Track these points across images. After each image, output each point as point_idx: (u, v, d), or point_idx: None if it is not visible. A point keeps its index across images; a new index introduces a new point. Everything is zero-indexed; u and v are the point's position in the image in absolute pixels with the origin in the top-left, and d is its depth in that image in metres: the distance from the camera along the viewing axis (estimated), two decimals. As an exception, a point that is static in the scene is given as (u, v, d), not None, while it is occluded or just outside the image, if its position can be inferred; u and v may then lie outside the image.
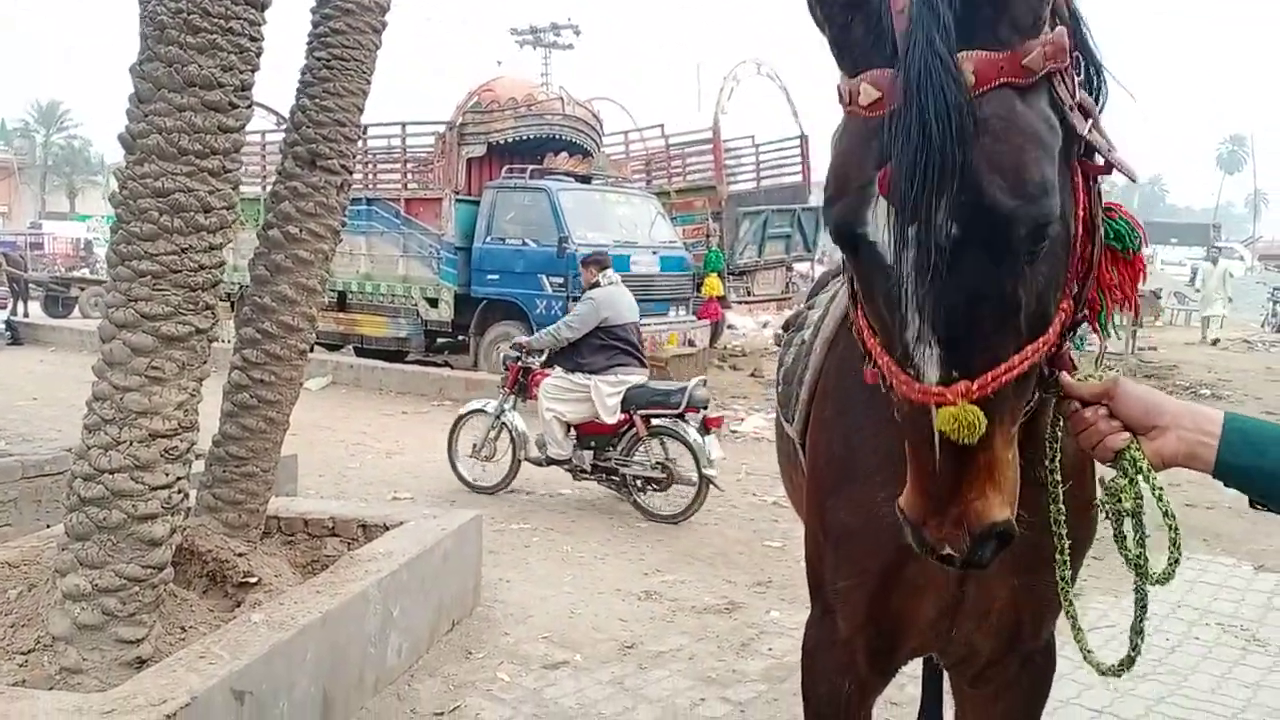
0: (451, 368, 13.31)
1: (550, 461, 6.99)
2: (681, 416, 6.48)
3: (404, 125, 14.45)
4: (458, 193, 13.11)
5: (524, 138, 13.52)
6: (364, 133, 14.54)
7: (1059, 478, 1.51)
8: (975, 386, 1.21)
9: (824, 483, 1.93)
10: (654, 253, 12.89)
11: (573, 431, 6.90)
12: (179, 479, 3.31)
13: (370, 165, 14.70)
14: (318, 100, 4.15)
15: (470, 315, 12.91)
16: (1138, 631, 1.50)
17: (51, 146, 64.66)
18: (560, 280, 11.88)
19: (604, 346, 6.82)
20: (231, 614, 3.65)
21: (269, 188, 4.31)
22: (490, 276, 12.63)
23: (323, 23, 4.17)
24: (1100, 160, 1.39)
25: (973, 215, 1.17)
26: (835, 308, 2.03)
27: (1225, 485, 1.35)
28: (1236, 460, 1.31)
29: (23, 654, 3.15)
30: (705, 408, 6.62)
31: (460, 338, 13.47)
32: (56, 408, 10.09)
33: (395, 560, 4.06)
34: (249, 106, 3.34)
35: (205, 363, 3.34)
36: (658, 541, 6.15)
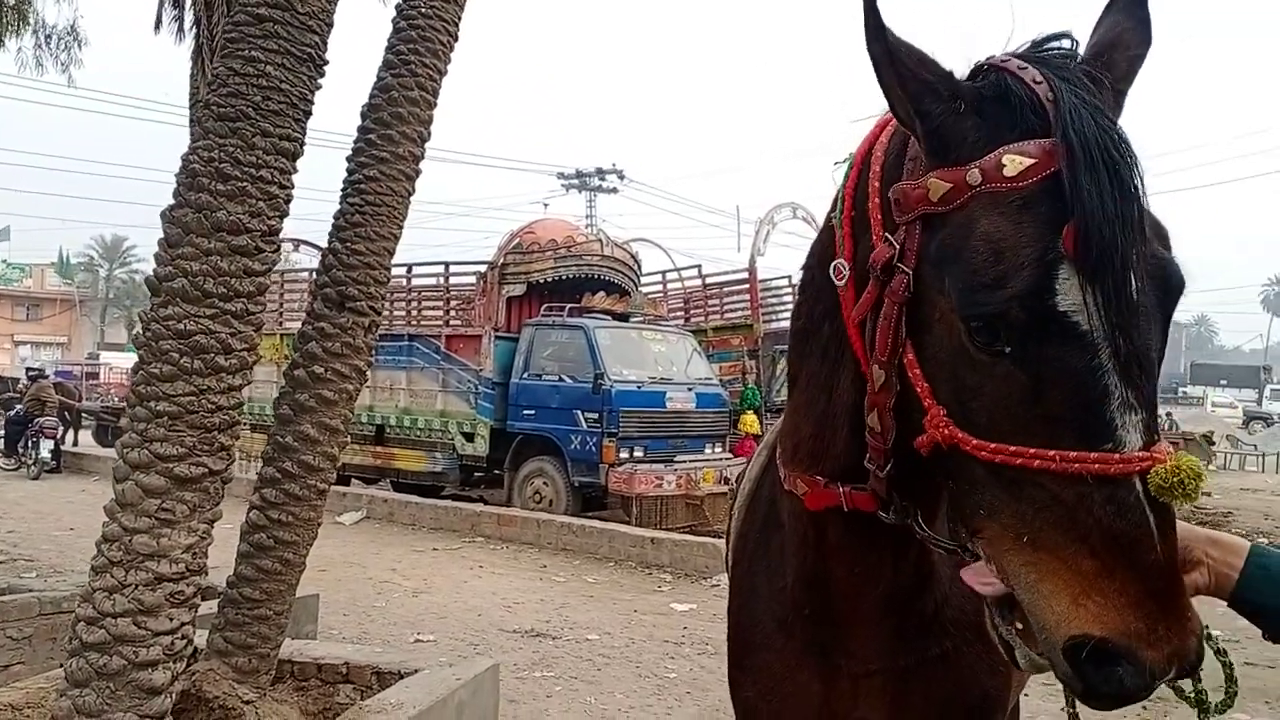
0: (485, 503, 13.21)
1: None
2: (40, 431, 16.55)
3: (447, 265, 14.83)
4: (497, 330, 13.30)
5: (563, 278, 13.76)
6: (409, 271, 14.96)
7: None
8: (1167, 445, 1.12)
9: (731, 654, 1.88)
10: (690, 389, 12.87)
11: None
12: (183, 624, 3.23)
13: (414, 302, 15.01)
14: (349, 244, 4.22)
15: (505, 450, 12.90)
16: None
17: (114, 280, 67.03)
18: (595, 415, 11.86)
19: None
20: (231, 768, 3.50)
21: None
22: (526, 411, 12.66)
23: (357, 170, 4.29)
24: None
25: (1154, 268, 1.15)
26: (753, 469, 2.00)
27: (1238, 614, 1.33)
28: (1257, 598, 1.29)
29: (9, 809, 3.03)
30: (50, 427, 16.50)
31: (495, 472, 13.43)
32: (92, 537, 10.07)
33: (405, 712, 3.90)
34: (275, 250, 3.40)
35: (217, 504, 3.30)
36: (686, 695, 5.90)
